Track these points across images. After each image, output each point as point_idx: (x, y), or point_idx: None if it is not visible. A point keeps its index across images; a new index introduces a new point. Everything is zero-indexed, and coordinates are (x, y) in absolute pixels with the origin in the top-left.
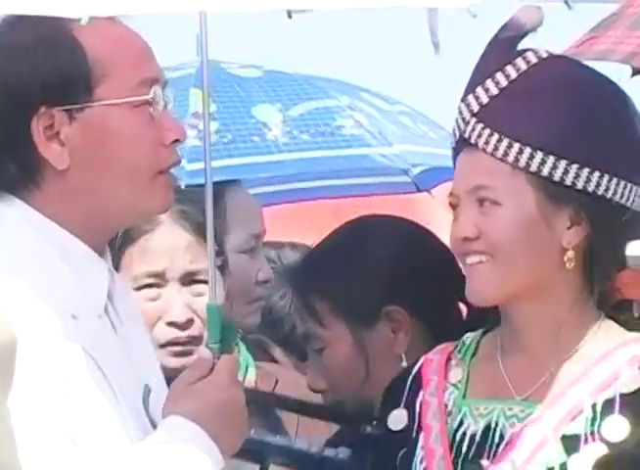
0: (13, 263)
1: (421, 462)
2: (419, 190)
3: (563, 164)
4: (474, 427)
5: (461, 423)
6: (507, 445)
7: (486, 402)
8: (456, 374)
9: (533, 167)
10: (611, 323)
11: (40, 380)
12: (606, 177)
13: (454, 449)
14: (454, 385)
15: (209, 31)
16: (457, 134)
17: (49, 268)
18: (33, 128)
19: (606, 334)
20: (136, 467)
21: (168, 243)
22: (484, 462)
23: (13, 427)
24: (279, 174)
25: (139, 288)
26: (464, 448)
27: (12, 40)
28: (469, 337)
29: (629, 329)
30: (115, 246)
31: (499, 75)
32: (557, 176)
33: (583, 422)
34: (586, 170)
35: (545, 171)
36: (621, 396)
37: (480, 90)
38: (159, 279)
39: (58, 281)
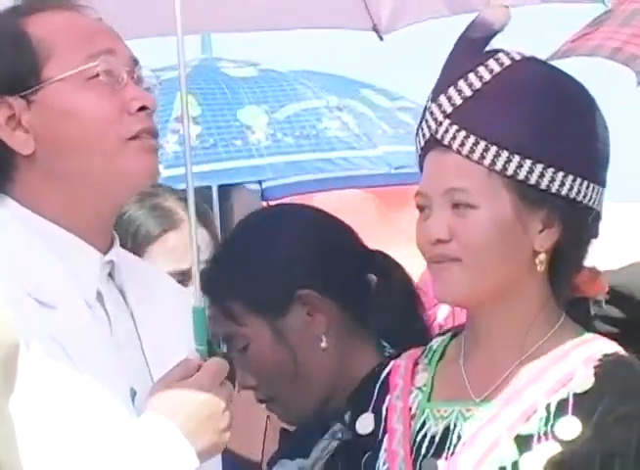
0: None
1: (384, 464)
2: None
3: (539, 167)
4: (434, 429)
5: (423, 425)
6: (464, 445)
7: (447, 404)
8: (422, 378)
9: (510, 171)
10: (570, 323)
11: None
12: (578, 180)
13: (414, 451)
14: (419, 389)
15: None
16: (427, 134)
17: (23, 257)
18: None
19: (564, 334)
20: (105, 462)
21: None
22: (441, 462)
23: (14, 428)
24: (258, 179)
25: None
26: (423, 450)
27: None
28: (437, 341)
29: (586, 327)
30: (138, 243)
31: (472, 77)
32: (533, 180)
33: (537, 422)
34: (560, 174)
35: (522, 175)
36: (575, 395)
37: (452, 91)
38: (183, 277)
39: (30, 269)
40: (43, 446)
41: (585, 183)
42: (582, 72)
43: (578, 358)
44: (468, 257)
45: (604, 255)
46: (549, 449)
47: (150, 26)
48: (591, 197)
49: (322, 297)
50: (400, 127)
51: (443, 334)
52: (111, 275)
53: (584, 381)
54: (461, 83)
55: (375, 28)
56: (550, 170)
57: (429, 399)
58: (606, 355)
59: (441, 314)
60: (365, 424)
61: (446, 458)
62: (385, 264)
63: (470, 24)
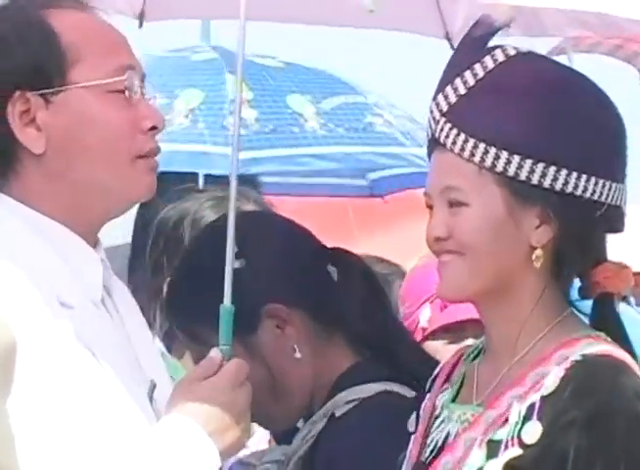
0: (1, 255)
1: (405, 464)
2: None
3: (528, 163)
4: (443, 432)
5: (438, 427)
6: (446, 449)
7: (457, 407)
8: (457, 376)
9: (499, 168)
10: (572, 320)
11: (31, 370)
12: (574, 174)
13: (422, 453)
14: (451, 388)
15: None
16: (429, 134)
17: (39, 258)
18: (9, 113)
19: (557, 334)
20: (132, 462)
21: None
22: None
23: (12, 428)
24: (319, 168)
25: None
26: (427, 453)
27: None
28: (482, 339)
29: (609, 325)
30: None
31: (467, 74)
32: (523, 176)
33: (509, 427)
34: (552, 169)
35: (511, 171)
36: (542, 398)
37: (449, 89)
38: None
39: (49, 271)
40: (71, 444)
41: (584, 177)
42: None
43: (555, 360)
44: (465, 253)
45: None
46: (511, 455)
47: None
48: (594, 190)
49: (289, 308)
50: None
51: (435, 333)
52: None
53: (552, 382)
54: (457, 81)
55: (447, 37)
56: (541, 165)
57: (453, 401)
58: (583, 356)
59: (424, 317)
60: (412, 423)
61: (434, 463)
62: (345, 259)
63: (474, 23)
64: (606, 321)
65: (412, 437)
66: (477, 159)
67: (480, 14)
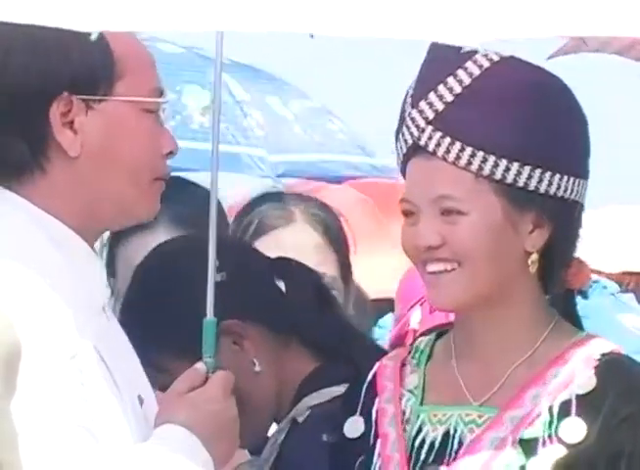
0: (16, 258)
1: (380, 467)
2: None
3: (527, 169)
4: (433, 434)
5: (419, 430)
6: (466, 450)
7: (444, 409)
8: (412, 381)
9: (498, 175)
10: (563, 323)
11: (56, 375)
12: (565, 178)
13: (413, 456)
14: (410, 391)
15: None
16: (409, 141)
17: (53, 265)
18: (52, 111)
19: (559, 335)
20: None
21: (300, 240)
22: (443, 468)
23: (15, 427)
24: None
25: None
26: (422, 455)
27: (46, 32)
28: (422, 341)
29: (572, 319)
30: (246, 236)
31: (451, 81)
32: (521, 182)
33: (541, 425)
34: (548, 174)
35: (510, 178)
36: (577, 397)
37: (433, 96)
38: None
39: (63, 279)
40: (70, 453)
41: (572, 180)
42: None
43: (577, 359)
44: (462, 262)
45: (611, 257)
46: (555, 453)
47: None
48: (577, 191)
49: (243, 322)
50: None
51: (425, 334)
52: None
53: (586, 382)
54: (441, 88)
55: None
56: (538, 171)
57: (421, 403)
58: (603, 355)
59: (414, 319)
60: (354, 427)
61: (447, 464)
62: (289, 268)
63: None
64: (571, 316)
65: (376, 441)
66: (474, 167)
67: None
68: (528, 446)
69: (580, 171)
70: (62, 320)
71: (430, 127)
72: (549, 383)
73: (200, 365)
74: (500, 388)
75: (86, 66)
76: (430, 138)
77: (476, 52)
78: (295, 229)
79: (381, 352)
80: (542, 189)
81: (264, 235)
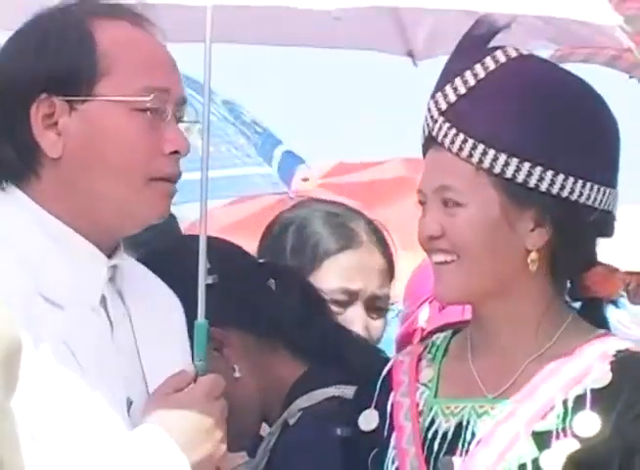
0: (14, 255)
1: (393, 462)
2: None
3: (526, 166)
4: (445, 425)
5: (432, 422)
6: (480, 442)
7: (458, 401)
8: (427, 374)
9: (497, 169)
10: (580, 321)
11: None
12: (570, 179)
13: (426, 448)
14: (425, 385)
15: None
16: (426, 132)
17: (35, 255)
18: (32, 114)
19: (575, 332)
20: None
21: (367, 264)
22: (456, 459)
23: (16, 426)
24: None
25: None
26: (435, 446)
27: (28, 29)
28: (439, 337)
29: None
30: (315, 256)
31: (468, 74)
32: (520, 178)
33: (554, 418)
34: (550, 173)
35: (509, 173)
36: (592, 391)
37: (448, 89)
38: (350, 297)
39: (41, 268)
40: (39, 451)
41: (580, 182)
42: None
43: (593, 355)
44: (460, 254)
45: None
46: (568, 446)
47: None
48: (589, 196)
49: (224, 329)
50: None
51: (442, 330)
52: (112, 280)
53: (602, 376)
54: (457, 81)
55: (410, 53)
56: (538, 169)
57: (435, 396)
58: (619, 351)
59: (422, 317)
60: (369, 420)
61: (461, 455)
62: (278, 271)
63: (475, 22)
64: (601, 325)
65: (391, 434)
66: (475, 159)
67: (445, 29)
68: (542, 439)
69: (594, 176)
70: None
71: (441, 118)
72: (564, 377)
73: (189, 368)
74: (514, 382)
75: (64, 65)
76: (440, 129)
77: (497, 48)
78: (363, 253)
79: (377, 353)
80: (543, 188)
81: (331, 256)
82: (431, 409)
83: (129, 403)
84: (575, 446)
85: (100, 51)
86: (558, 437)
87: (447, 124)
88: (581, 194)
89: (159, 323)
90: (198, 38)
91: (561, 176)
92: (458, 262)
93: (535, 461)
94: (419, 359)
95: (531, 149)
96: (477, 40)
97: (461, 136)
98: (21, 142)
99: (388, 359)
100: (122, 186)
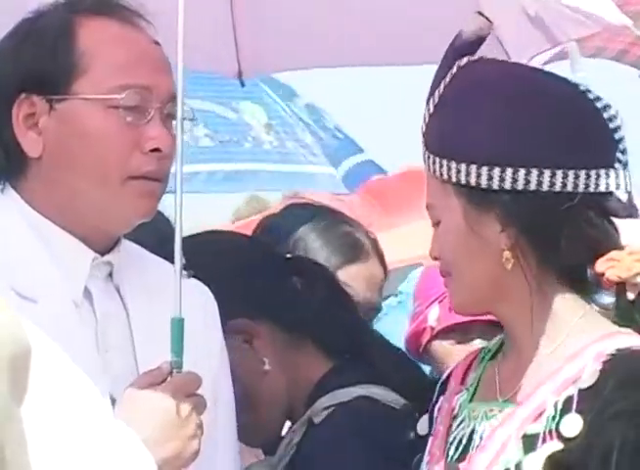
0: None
1: (425, 466)
2: None
3: (473, 168)
4: (465, 430)
5: (458, 426)
6: (480, 446)
7: (478, 405)
8: (471, 378)
9: (454, 178)
10: (595, 316)
11: None
12: (521, 171)
13: (446, 453)
14: (467, 389)
15: None
16: None
17: (10, 248)
18: (13, 114)
19: (587, 328)
20: (60, 466)
21: (371, 276)
22: (462, 465)
23: (25, 431)
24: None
25: None
26: (452, 452)
27: (11, 31)
28: (494, 341)
29: (619, 315)
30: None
31: (436, 92)
32: (472, 181)
33: (544, 421)
34: (497, 169)
35: (463, 179)
36: (579, 391)
37: (425, 109)
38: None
39: (14, 261)
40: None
41: (535, 171)
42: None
43: (590, 355)
44: (451, 270)
45: None
46: (551, 448)
47: None
48: (552, 182)
49: (254, 321)
50: None
51: (443, 332)
52: (110, 276)
53: (590, 376)
54: (430, 101)
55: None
56: (485, 168)
57: (471, 400)
58: (618, 350)
59: (432, 316)
60: (423, 426)
61: (468, 461)
62: (305, 266)
63: (457, 34)
64: (622, 312)
65: (429, 439)
66: (437, 173)
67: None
68: (530, 442)
69: (554, 161)
70: None
71: (422, 139)
72: (560, 378)
73: (164, 364)
74: (522, 384)
75: (41, 64)
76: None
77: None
78: (371, 264)
79: (396, 352)
80: (495, 185)
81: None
82: (462, 414)
83: (112, 401)
84: (557, 446)
85: (79, 50)
86: (544, 440)
87: (423, 144)
88: (540, 182)
89: (162, 322)
90: None
91: (509, 170)
92: (452, 278)
93: (518, 465)
94: (471, 363)
95: (473, 150)
96: (447, 57)
97: (426, 153)
98: (6, 142)
99: (409, 360)
100: (100, 185)
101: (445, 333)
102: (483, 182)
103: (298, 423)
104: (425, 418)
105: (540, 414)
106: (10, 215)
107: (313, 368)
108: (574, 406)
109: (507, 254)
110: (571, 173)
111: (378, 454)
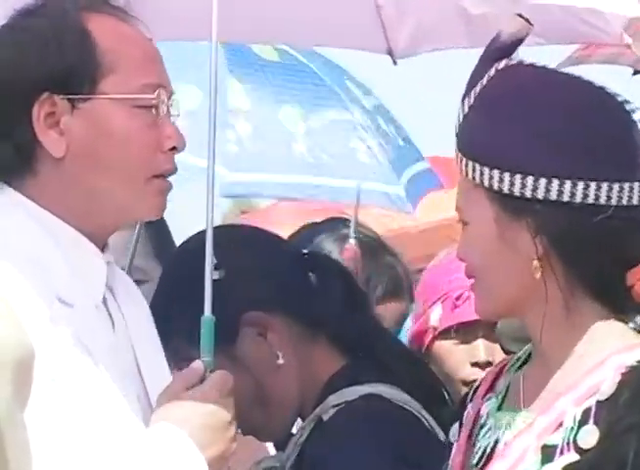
0: (13, 254)
1: None
2: None
3: (507, 175)
4: (490, 439)
5: (484, 435)
6: (498, 455)
7: (504, 414)
8: (500, 385)
9: (486, 183)
10: (620, 328)
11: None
12: (555, 182)
13: (471, 461)
14: (496, 396)
15: None
16: None
17: (40, 254)
18: (34, 113)
19: (610, 340)
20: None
21: (399, 313)
22: None
23: (28, 436)
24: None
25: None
26: (475, 459)
27: (24, 27)
28: (525, 348)
29: None
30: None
31: (472, 93)
32: (506, 189)
33: (563, 432)
34: (530, 178)
35: (495, 186)
36: (597, 403)
37: (459, 109)
38: None
39: (49, 267)
40: (58, 451)
41: (568, 182)
42: None
43: (611, 366)
44: (476, 274)
45: None
46: (568, 460)
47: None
48: (586, 194)
49: (269, 314)
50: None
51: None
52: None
53: (608, 388)
54: (465, 100)
55: (389, 52)
56: (518, 176)
57: (499, 408)
58: (639, 362)
59: (434, 316)
60: (454, 432)
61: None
62: (322, 262)
63: (495, 35)
64: None
65: (455, 445)
66: (470, 176)
67: (428, 31)
68: (548, 453)
69: (593, 173)
70: (32, 312)
71: (456, 139)
72: (580, 389)
73: (197, 364)
74: (544, 392)
75: (65, 64)
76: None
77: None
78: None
79: (406, 352)
80: (528, 194)
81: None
82: (488, 422)
83: (139, 401)
84: (574, 458)
85: (101, 49)
86: (562, 452)
87: (456, 146)
88: (573, 194)
89: (146, 323)
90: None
91: (543, 180)
92: (477, 282)
93: None
94: (501, 370)
95: (508, 157)
96: (484, 58)
97: (459, 155)
98: (21, 141)
99: (418, 360)
100: (125, 184)
101: (448, 333)
102: (517, 190)
103: (307, 420)
104: (456, 425)
105: (560, 425)
106: (17, 217)
107: (326, 365)
108: (592, 418)
109: (536, 263)
110: (604, 185)
111: (386, 454)
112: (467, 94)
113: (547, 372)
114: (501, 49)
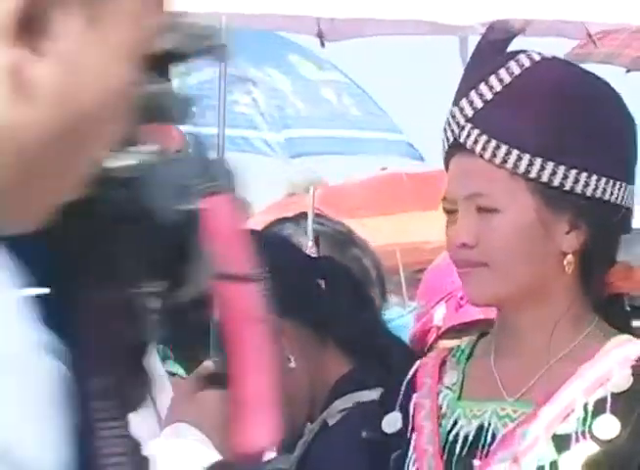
0: None
1: (413, 464)
2: None
3: (562, 169)
4: (467, 428)
5: (455, 424)
6: (499, 444)
7: (480, 404)
8: (451, 377)
9: (533, 174)
10: (603, 324)
11: None
12: (603, 180)
13: (447, 450)
14: (448, 388)
15: None
16: (450, 138)
17: None
18: None
19: (599, 335)
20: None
21: None
22: (476, 462)
23: None
24: None
25: None
26: (457, 449)
27: None
28: (465, 341)
29: (622, 324)
30: None
31: (493, 79)
32: (556, 182)
33: (575, 422)
34: (584, 174)
35: (544, 178)
36: (612, 395)
37: (473, 94)
38: None
39: None
40: None
41: (611, 182)
42: None
43: (614, 360)
44: (494, 261)
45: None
46: (587, 449)
47: None
48: (617, 195)
49: (281, 318)
50: (318, 106)
51: (448, 331)
52: None
53: (622, 381)
54: (482, 86)
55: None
56: (573, 171)
57: (459, 399)
58: None
59: (437, 316)
60: (392, 423)
61: (480, 458)
62: (330, 266)
63: (489, 27)
64: (620, 321)
65: (412, 435)
66: (509, 165)
67: None
68: (561, 442)
69: (620, 175)
70: None
71: (469, 125)
72: (585, 381)
73: (207, 363)
74: (535, 383)
75: None
76: (468, 136)
77: (519, 53)
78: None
79: (413, 355)
80: (578, 190)
81: None
82: (454, 412)
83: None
84: (595, 448)
85: None
86: (577, 440)
87: (477, 131)
88: (612, 193)
89: None
90: None
91: (594, 177)
92: (489, 269)
93: (554, 463)
94: (443, 363)
95: (565, 151)
96: (495, 45)
97: (493, 142)
98: None
99: None
100: None
101: (451, 333)
102: (568, 184)
103: (314, 424)
104: (392, 416)
105: (568, 415)
106: None
107: (334, 368)
108: (608, 409)
109: (570, 257)
110: (622, 185)
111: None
112: (484, 79)
113: (528, 362)
114: (506, 40)
